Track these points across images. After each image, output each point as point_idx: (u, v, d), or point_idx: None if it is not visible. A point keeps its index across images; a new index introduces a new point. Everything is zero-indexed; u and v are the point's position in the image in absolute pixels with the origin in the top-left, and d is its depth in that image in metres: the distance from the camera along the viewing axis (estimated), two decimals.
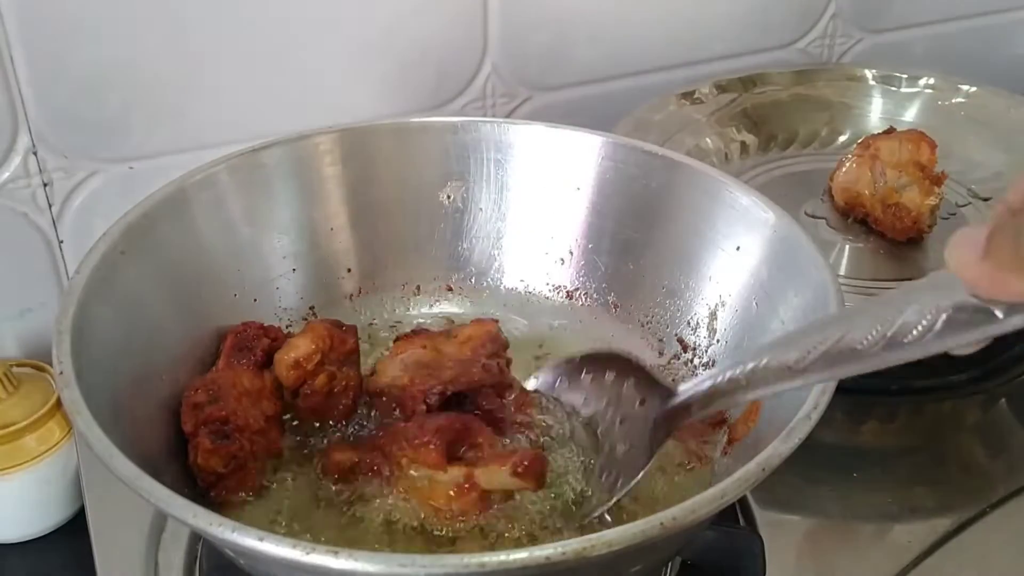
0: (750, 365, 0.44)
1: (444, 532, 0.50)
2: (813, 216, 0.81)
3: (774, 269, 0.57)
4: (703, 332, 0.61)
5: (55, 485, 0.66)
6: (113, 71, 0.69)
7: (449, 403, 0.56)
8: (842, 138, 0.90)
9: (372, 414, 0.57)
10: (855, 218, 0.80)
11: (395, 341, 0.60)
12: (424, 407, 0.55)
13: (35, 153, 0.69)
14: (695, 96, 0.87)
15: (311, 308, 0.64)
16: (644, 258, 0.64)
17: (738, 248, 0.59)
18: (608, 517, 0.51)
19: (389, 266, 0.67)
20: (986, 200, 0.82)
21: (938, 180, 0.77)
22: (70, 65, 0.67)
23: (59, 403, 0.65)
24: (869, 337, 0.37)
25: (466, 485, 0.50)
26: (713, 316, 0.61)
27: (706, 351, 0.61)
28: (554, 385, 0.57)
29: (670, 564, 0.55)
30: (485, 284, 0.68)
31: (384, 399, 0.57)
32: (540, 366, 0.62)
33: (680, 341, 0.63)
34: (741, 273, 0.59)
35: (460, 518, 0.50)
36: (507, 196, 0.66)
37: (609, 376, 0.54)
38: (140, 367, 0.52)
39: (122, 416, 0.48)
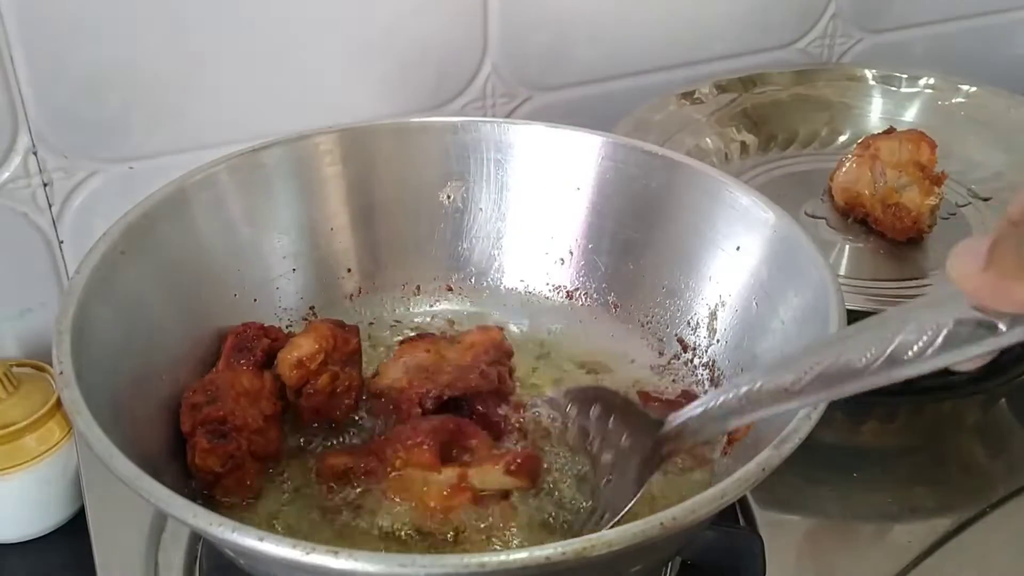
0: (744, 389, 0.43)
1: (440, 534, 0.50)
2: (813, 216, 0.81)
3: (774, 269, 0.57)
4: (703, 332, 0.61)
5: (55, 485, 0.66)
6: (113, 71, 0.69)
7: (446, 407, 0.56)
8: (842, 138, 0.90)
9: (371, 417, 0.57)
10: (855, 218, 0.80)
11: (400, 344, 0.61)
12: (419, 410, 0.55)
13: (35, 153, 0.69)
14: (695, 96, 0.87)
15: (311, 308, 0.64)
16: (644, 258, 0.64)
17: (738, 248, 0.59)
18: None
19: (389, 266, 0.67)
20: (986, 200, 0.82)
21: (938, 180, 0.77)
22: (70, 65, 0.67)
23: (59, 403, 0.65)
24: (868, 355, 0.37)
25: (460, 485, 0.50)
26: (713, 316, 0.61)
27: (706, 351, 0.61)
28: None
29: (670, 564, 0.55)
30: (485, 284, 0.68)
31: (382, 400, 0.57)
32: (538, 367, 0.63)
33: (680, 341, 0.63)
34: (741, 273, 0.59)
35: (455, 519, 0.50)
36: (507, 196, 0.66)
37: (595, 411, 0.54)
38: (140, 367, 0.52)
39: (122, 416, 0.48)
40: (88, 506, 0.62)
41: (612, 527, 0.48)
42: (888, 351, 0.36)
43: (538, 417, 0.57)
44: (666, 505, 0.39)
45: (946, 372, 0.35)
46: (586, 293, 0.67)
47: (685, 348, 0.62)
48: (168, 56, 0.70)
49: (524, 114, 0.84)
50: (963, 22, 0.99)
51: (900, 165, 0.77)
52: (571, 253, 0.66)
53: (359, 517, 0.51)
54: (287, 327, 0.62)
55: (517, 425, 0.57)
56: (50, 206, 0.71)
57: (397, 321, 0.66)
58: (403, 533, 0.50)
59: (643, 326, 0.64)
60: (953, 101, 0.90)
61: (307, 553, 0.37)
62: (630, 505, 0.48)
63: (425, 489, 0.51)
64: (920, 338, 0.35)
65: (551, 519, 0.51)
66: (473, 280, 0.68)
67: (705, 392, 0.60)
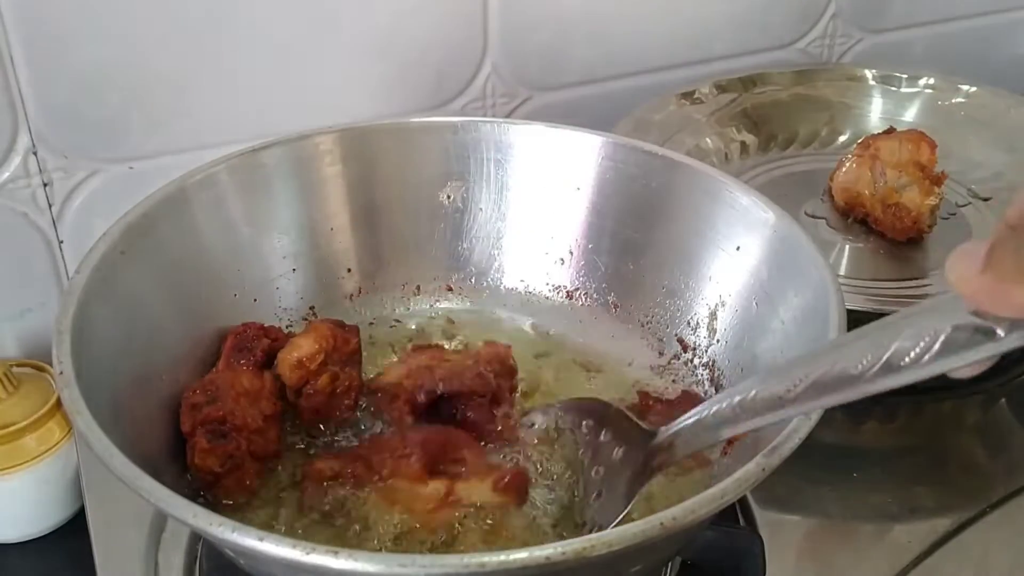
0: (737, 398, 0.43)
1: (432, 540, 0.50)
2: (813, 216, 0.81)
3: (774, 269, 0.57)
4: (703, 332, 0.61)
5: (55, 485, 0.66)
6: (113, 71, 0.69)
7: (439, 408, 0.56)
8: (842, 138, 0.90)
9: (370, 415, 0.57)
10: (855, 218, 0.80)
11: (412, 350, 0.61)
12: (410, 410, 0.55)
13: (35, 153, 0.69)
14: (695, 96, 0.87)
15: (311, 308, 0.64)
16: (644, 258, 0.64)
17: (738, 248, 0.59)
18: None
19: (389, 266, 0.67)
20: (986, 200, 0.82)
21: (938, 180, 0.77)
22: (70, 65, 0.67)
23: (59, 403, 0.65)
24: (864, 362, 0.36)
25: (447, 499, 0.50)
26: (713, 316, 0.61)
27: (706, 351, 0.61)
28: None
29: (670, 564, 0.55)
30: (485, 284, 0.68)
31: (380, 395, 0.57)
32: (537, 367, 0.62)
33: (680, 341, 0.63)
34: (741, 273, 0.59)
35: (441, 530, 0.50)
36: (507, 196, 0.66)
37: (587, 424, 0.54)
38: (140, 367, 0.52)
39: (122, 416, 0.48)
40: (88, 506, 0.62)
41: None
42: (884, 358, 0.36)
43: (531, 429, 0.56)
44: (666, 505, 0.39)
45: (943, 377, 0.35)
46: (586, 293, 0.67)
47: (685, 348, 0.62)
48: (168, 56, 0.70)
49: (524, 114, 0.84)
50: (963, 22, 0.99)
51: (900, 165, 0.77)
52: (571, 253, 0.66)
53: (350, 521, 0.51)
54: (287, 327, 0.62)
55: (508, 436, 0.56)
56: (50, 206, 0.71)
57: (397, 321, 0.66)
58: (394, 538, 0.50)
59: (643, 326, 0.64)
60: (953, 101, 0.90)
61: (307, 553, 0.37)
62: (617, 520, 0.48)
63: (411, 501, 0.51)
64: (917, 344, 0.34)
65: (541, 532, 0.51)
66: (473, 280, 0.68)
67: (705, 392, 0.60)
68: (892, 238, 0.77)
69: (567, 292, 0.67)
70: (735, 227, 0.60)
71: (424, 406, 0.56)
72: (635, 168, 0.64)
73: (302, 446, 0.56)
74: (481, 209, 0.67)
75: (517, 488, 0.50)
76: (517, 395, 0.59)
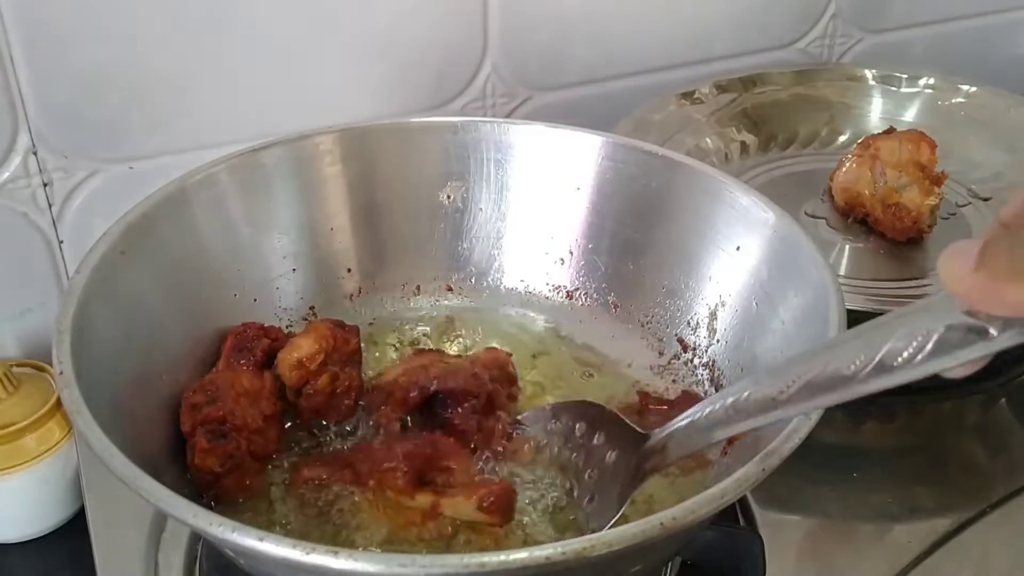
0: (730, 399, 0.43)
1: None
2: (813, 216, 0.81)
3: (774, 269, 0.57)
4: (703, 332, 0.61)
5: (55, 485, 0.66)
6: (113, 71, 0.69)
7: (433, 409, 0.56)
8: (842, 138, 0.90)
9: (368, 413, 0.57)
10: (855, 218, 0.80)
11: (413, 354, 0.61)
12: (402, 409, 0.55)
13: (35, 153, 0.69)
14: (695, 96, 0.87)
15: (311, 308, 0.64)
16: (644, 258, 0.64)
17: (738, 248, 0.59)
18: None
19: (389, 266, 0.67)
20: (986, 200, 0.82)
21: (938, 180, 0.77)
22: (70, 65, 0.67)
23: (59, 403, 0.65)
24: (856, 362, 0.36)
25: (432, 512, 0.50)
26: (713, 316, 0.61)
27: (706, 351, 0.61)
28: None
29: (670, 564, 0.55)
30: (485, 284, 0.68)
31: (374, 394, 0.57)
32: (537, 367, 0.62)
33: (680, 341, 0.63)
34: (741, 273, 0.59)
35: (426, 539, 0.50)
36: (507, 196, 0.66)
37: (580, 427, 0.53)
38: (140, 367, 0.52)
39: (122, 416, 0.48)
40: (88, 506, 0.62)
41: None
42: (877, 358, 0.35)
43: (524, 433, 0.56)
44: (666, 505, 0.39)
45: (938, 377, 0.34)
46: (586, 293, 0.67)
47: (685, 348, 0.62)
48: (168, 56, 0.70)
49: (524, 114, 0.84)
50: (963, 22, 0.99)
51: (900, 165, 0.77)
52: (571, 253, 0.66)
53: (339, 527, 0.51)
54: (287, 327, 0.62)
55: (500, 444, 0.55)
56: (50, 206, 0.71)
57: (397, 321, 0.66)
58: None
59: (643, 326, 0.64)
60: (953, 101, 0.90)
61: (307, 553, 0.37)
62: (610, 524, 0.48)
63: (397, 513, 0.51)
64: (910, 344, 0.34)
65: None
66: (473, 280, 0.68)
67: (705, 392, 0.60)
68: (892, 238, 0.77)
69: (567, 292, 0.67)
70: (735, 227, 0.60)
71: (417, 404, 0.56)
72: (635, 168, 0.64)
73: (305, 445, 0.56)
74: (481, 209, 0.67)
75: (502, 508, 0.50)
76: (516, 404, 0.59)
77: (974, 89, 0.90)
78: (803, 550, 0.61)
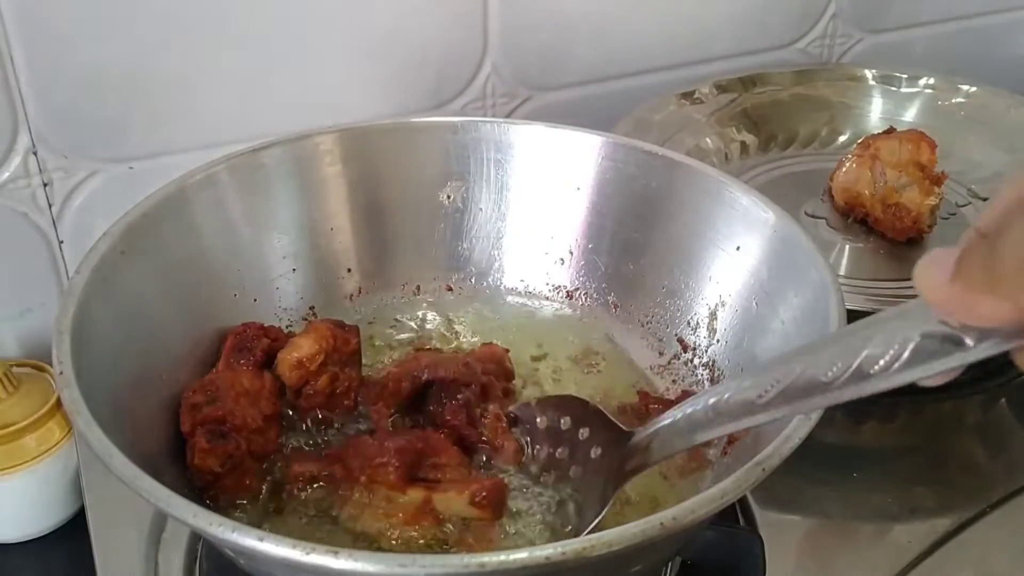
0: (712, 400, 0.43)
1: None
2: (813, 216, 0.81)
3: (774, 269, 0.57)
4: (703, 332, 0.61)
5: (55, 485, 0.66)
6: (113, 71, 0.69)
7: (424, 403, 0.56)
8: (842, 138, 0.90)
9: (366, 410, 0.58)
10: (855, 218, 0.80)
11: (414, 352, 0.61)
12: (394, 400, 0.55)
13: (35, 153, 0.69)
14: (695, 96, 0.87)
15: (311, 308, 0.64)
16: (644, 258, 0.64)
17: (738, 248, 0.59)
18: None
19: (389, 266, 0.67)
20: (986, 200, 0.82)
21: (938, 180, 0.77)
22: (70, 65, 0.68)
23: (59, 403, 0.65)
24: (834, 369, 0.36)
25: (424, 508, 0.50)
26: (713, 316, 0.61)
27: (706, 351, 0.61)
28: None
29: (670, 564, 0.55)
30: (485, 284, 0.68)
31: (369, 387, 0.57)
32: (536, 367, 0.62)
33: (680, 341, 0.63)
34: (741, 273, 0.59)
35: (419, 535, 0.50)
36: (507, 196, 0.66)
37: (565, 422, 0.53)
38: (140, 367, 0.52)
39: (122, 416, 0.48)
40: (88, 506, 0.62)
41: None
42: (854, 365, 0.35)
43: (512, 434, 0.56)
44: (666, 505, 0.39)
45: (914, 385, 0.34)
46: (586, 293, 0.67)
47: (685, 348, 0.62)
48: (168, 56, 0.70)
49: (524, 114, 0.84)
50: (963, 22, 0.99)
51: (900, 165, 0.77)
52: (571, 253, 0.66)
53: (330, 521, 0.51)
54: (287, 327, 0.62)
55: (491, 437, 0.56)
56: (50, 206, 0.71)
57: (397, 321, 0.66)
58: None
59: (643, 326, 0.64)
60: (953, 101, 0.90)
61: (307, 553, 0.37)
62: (596, 521, 0.48)
63: (388, 508, 0.51)
64: (887, 352, 0.34)
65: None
66: (473, 280, 0.68)
67: None
68: (892, 238, 0.77)
69: (567, 292, 0.67)
70: (735, 227, 0.60)
71: (409, 394, 0.56)
72: (635, 168, 0.64)
73: (306, 445, 0.56)
74: (481, 209, 0.67)
75: (493, 503, 0.50)
76: (512, 400, 0.58)
77: (974, 89, 0.90)
78: (803, 550, 0.61)
